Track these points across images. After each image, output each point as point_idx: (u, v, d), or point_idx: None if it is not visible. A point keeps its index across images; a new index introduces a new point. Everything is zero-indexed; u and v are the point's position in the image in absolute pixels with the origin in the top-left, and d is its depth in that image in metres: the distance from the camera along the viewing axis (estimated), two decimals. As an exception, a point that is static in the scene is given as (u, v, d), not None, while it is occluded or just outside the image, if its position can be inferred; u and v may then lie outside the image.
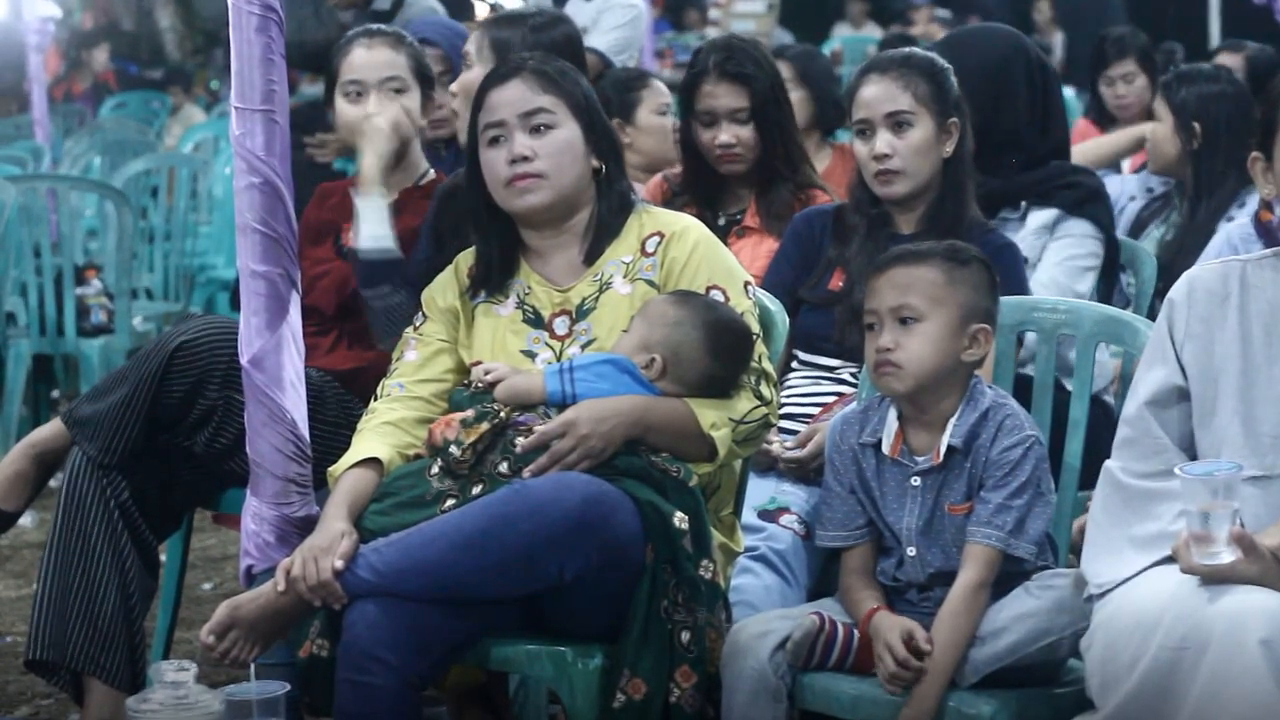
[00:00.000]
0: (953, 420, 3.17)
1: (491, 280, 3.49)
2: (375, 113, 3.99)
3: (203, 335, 3.78)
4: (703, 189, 4.44)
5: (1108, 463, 3.04)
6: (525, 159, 3.40)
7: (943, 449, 3.15)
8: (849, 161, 4.85)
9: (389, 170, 3.95)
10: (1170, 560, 2.86)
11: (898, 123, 3.84)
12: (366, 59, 4.13)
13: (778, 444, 3.77)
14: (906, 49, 4.07)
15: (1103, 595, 2.91)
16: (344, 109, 4.12)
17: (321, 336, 4.03)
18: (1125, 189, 5.45)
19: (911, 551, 3.18)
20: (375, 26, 4.30)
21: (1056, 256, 4.16)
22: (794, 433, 3.84)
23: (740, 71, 4.35)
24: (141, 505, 3.81)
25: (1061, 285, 4.10)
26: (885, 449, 3.21)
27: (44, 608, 3.75)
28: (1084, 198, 4.20)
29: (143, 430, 3.77)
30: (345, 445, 3.42)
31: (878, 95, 3.86)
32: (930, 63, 3.91)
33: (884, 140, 3.84)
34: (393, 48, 4.17)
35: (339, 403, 3.92)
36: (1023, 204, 4.21)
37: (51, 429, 3.94)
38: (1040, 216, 4.19)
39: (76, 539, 3.75)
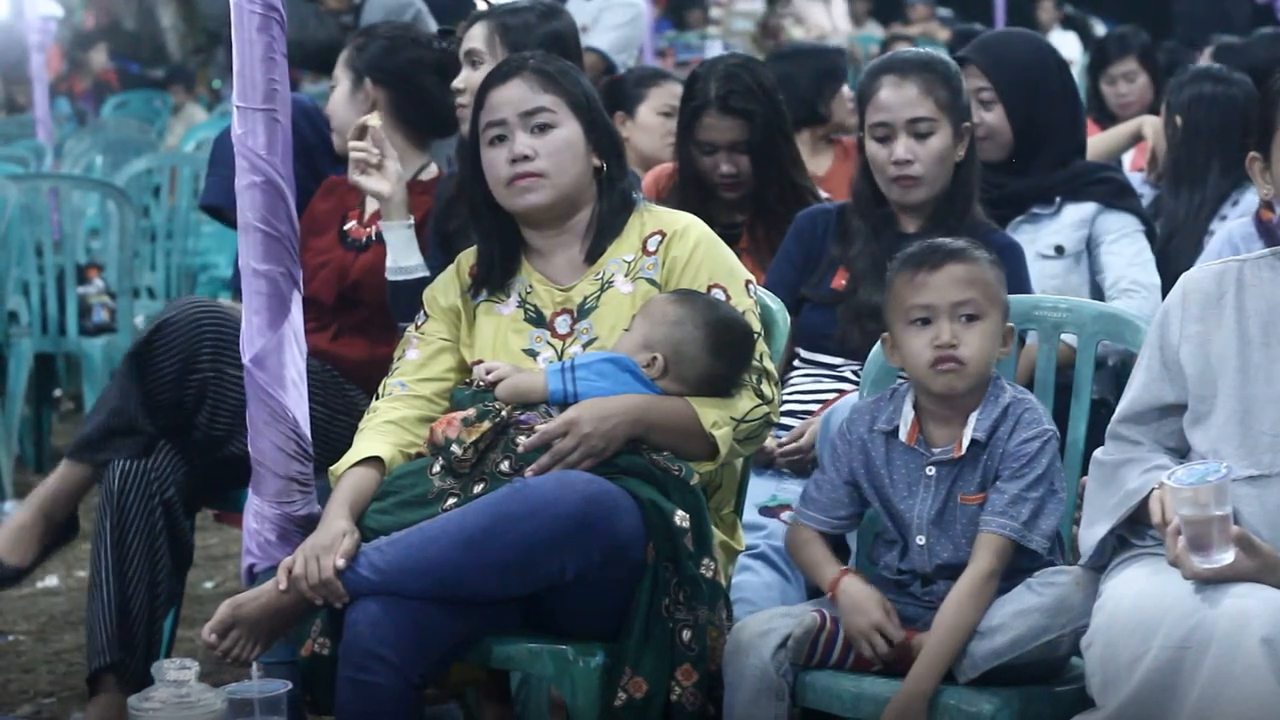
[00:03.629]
0: (975, 415, 3.16)
1: (493, 279, 3.49)
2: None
3: (183, 312, 3.84)
4: (694, 208, 4.37)
5: (1096, 450, 3.10)
6: (526, 158, 3.40)
7: (965, 442, 3.15)
8: (850, 161, 4.84)
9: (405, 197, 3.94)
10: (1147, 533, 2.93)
11: (920, 130, 3.81)
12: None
13: (771, 441, 3.77)
14: (925, 51, 4.02)
15: (1101, 572, 2.99)
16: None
17: (320, 332, 4.03)
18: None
19: (920, 540, 3.16)
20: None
21: (1124, 259, 4.20)
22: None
23: (742, 107, 4.31)
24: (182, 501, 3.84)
25: (1145, 284, 4.14)
26: (902, 436, 3.20)
27: (103, 618, 3.72)
28: (1117, 191, 4.26)
29: (142, 407, 3.79)
30: (344, 432, 3.43)
31: (900, 99, 3.82)
32: (947, 67, 3.90)
33: (905, 146, 3.81)
34: None
35: (340, 392, 3.93)
36: (1056, 199, 4.23)
37: (53, 479, 3.92)
38: (1078, 210, 4.24)
39: (117, 538, 3.75)
